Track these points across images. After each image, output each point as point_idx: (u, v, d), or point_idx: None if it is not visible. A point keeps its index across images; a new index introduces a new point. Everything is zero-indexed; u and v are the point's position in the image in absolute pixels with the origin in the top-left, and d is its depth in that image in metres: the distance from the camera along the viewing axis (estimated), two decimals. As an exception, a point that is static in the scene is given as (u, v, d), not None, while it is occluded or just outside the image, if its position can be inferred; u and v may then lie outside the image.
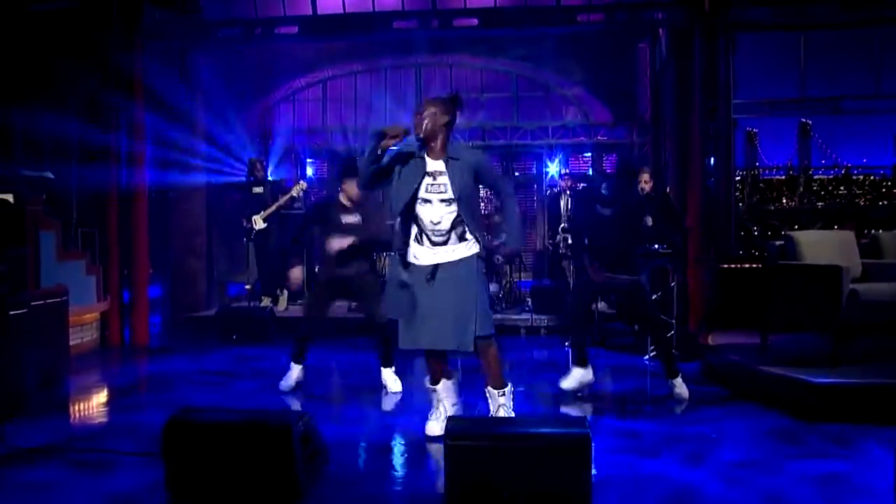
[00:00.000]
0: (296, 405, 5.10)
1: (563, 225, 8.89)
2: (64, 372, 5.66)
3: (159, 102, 8.82)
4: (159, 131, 9.11)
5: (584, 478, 2.85)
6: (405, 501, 3.24)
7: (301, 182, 9.71)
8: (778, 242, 5.59)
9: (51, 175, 6.49)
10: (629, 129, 10.95)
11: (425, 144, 3.88)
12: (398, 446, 4.08)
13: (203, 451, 3.16)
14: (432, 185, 3.87)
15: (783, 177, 25.44)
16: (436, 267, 3.88)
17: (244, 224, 9.03)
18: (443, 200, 3.87)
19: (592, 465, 2.85)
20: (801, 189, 21.34)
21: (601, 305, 8.58)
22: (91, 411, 5.15)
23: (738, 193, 19.65)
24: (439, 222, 3.87)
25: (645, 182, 8.03)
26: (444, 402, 4.10)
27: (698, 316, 8.13)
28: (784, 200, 23.41)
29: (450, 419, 3.14)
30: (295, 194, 9.25)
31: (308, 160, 11.79)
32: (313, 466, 3.36)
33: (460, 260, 3.90)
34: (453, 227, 3.89)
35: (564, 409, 4.99)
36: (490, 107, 11.41)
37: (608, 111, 11.12)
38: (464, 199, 3.87)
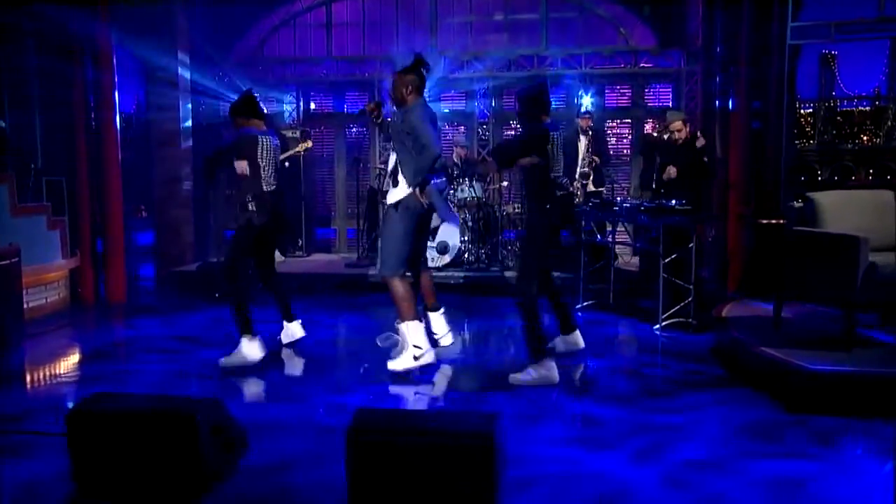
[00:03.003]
0: (244, 382, 5.38)
1: (582, 170, 8.92)
2: (16, 340, 6.05)
3: (134, 26, 8.89)
4: (135, 59, 9.35)
5: (487, 480, 3.04)
6: (313, 494, 3.51)
7: (307, 141, 9.90)
8: (797, 204, 5.56)
9: (2, 123, 6.78)
10: (677, 57, 10.71)
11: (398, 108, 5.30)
12: (331, 431, 4.31)
13: (108, 441, 3.46)
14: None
15: (868, 107, 23.88)
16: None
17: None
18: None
19: (496, 466, 3.04)
20: (891, 122, 20.03)
21: (618, 263, 8.68)
22: (35, 386, 5.53)
23: (808, 129, 18.74)
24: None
25: (677, 130, 8.12)
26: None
27: (737, 280, 8.16)
28: (865, 137, 21.97)
29: (358, 410, 3.36)
30: (300, 150, 9.56)
31: (311, 93, 11.93)
32: (227, 456, 3.66)
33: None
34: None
35: (542, 387, 5.18)
36: (514, 31, 11.27)
37: (653, 34, 10.87)
38: (397, 149, 5.20)
